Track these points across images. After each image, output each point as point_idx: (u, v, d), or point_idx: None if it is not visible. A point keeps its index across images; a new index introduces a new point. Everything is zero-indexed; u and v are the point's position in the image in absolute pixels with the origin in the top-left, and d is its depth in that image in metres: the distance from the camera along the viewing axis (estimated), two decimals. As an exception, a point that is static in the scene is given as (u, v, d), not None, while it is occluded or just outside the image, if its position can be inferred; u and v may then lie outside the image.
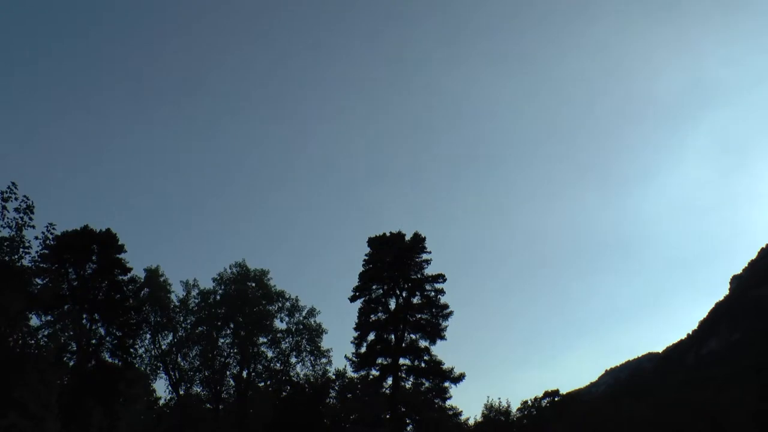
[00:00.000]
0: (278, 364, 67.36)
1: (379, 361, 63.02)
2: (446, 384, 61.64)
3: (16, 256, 27.10)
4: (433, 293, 64.14)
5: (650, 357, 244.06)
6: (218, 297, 67.96)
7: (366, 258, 65.58)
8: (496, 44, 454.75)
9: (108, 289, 57.59)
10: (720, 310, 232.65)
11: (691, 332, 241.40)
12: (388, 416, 58.59)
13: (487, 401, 73.93)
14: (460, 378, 61.81)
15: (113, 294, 57.53)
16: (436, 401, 61.40)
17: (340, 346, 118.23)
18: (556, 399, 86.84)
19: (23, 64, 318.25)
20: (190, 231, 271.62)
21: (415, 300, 64.33)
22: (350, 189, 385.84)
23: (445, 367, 61.78)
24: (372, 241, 66.07)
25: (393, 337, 63.16)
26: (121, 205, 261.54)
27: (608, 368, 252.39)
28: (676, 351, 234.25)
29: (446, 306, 63.72)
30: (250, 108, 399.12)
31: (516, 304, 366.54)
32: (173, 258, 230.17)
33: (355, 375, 62.52)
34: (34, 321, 45.54)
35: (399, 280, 64.49)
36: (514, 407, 77.11)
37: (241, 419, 63.33)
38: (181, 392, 65.87)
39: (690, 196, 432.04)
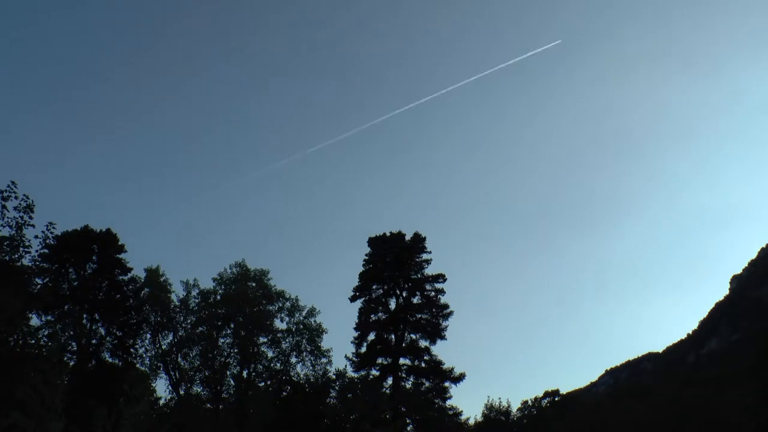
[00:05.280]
0: (278, 364, 67.41)
1: (380, 361, 63.13)
2: (446, 384, 61.76)
3: (16, 256, 27.13)
4: (433, 293, 64.30)
5: (650, 357, 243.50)
6: (218, 297, 68.01)
7: (366, 258, 65.72)
8: (504, 45, 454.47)
9: (108, 289, 57.68)
10: (720, 310, 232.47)
11: (691, 332, 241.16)
12: (388, 416, 58.65)
13: (487, 401, 74.13)
14: (460, 378, 61.93)
15: (113, 294, 57.63)
16: (436, 401, 61.49)
17: (340, 346, 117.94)
18: (556, 399, 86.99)
19: (22, 63, 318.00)
20: (190, 231, 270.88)
21: (415, 300, 64.49)
22: (351, 188, 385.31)
23: (445, 367, 61.93)
24: (372, 241, 66.20)
25: (393, 337, 63.27)
26: (121, 205, 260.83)
27: (608, 368, 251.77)
28: (676, 351, 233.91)
29: (446, 306, 63.90)
30: (250, 107, 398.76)
31: (516, 303, 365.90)
32: (173, 258, 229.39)
33: (356, 375, 62.64)
34: (35, 321, 45.56)
35: (399, 280, 64.63)
36: (514, 407, 77.28)
37: (241, 419, 63.35)
38: (182, 392, 65.90)
39: (689, 194, 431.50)
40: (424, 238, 66.12)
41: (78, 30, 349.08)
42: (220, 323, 66.84)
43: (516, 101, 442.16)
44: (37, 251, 29.90)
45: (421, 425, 60.84)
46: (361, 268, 65.62)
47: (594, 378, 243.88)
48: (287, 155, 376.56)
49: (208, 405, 67.48)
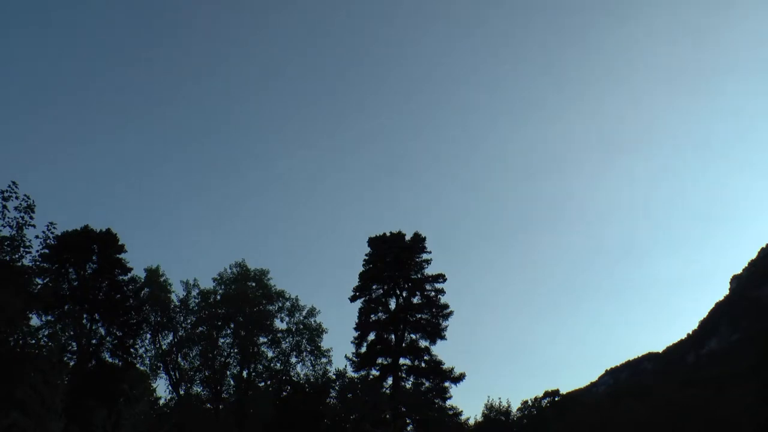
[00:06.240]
0: (278, 364, 67.41)
1: (380, 361, 63.12)
2: (446, 384, 61.75)
3: (16, 256, 27.16)
4: (433, 293, 64.29)
5: (650, 357, 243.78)
6: (218, 297, 68.01)
7: (366, 258, 65.71)
8: (505, 46, 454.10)
9: (108, 289, 57.73)
10: (720, 310, 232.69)
11: (691, 332, 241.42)
12: (388, 416, 58.65)
13: (488, 401, 74.12)
14: (460, 378, 61.92)
15: (113, 294, 57.67)
16: (436, 401, 61.47)
17: (340, 346, 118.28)
18: (556, 399, 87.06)
19: (22, 63, 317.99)
20: (190, 231, 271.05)
21: (415, 300, 64.48)
22: (351, 188, 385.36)
23: (445, 367, 61.91)
24: (372, 241, 66.20)
25: (393, 337, 63.27)
26: (121, 205, 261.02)
27: (608, 368, 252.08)
28: (676, 351, 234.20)
29: (446, 306, 63.88)
30: (250, 106, 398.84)
31: (516, 303, 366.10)
32: (173, 258, 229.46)
33: (356, 375, 62.61)
34: (35, 321, 45.63)
35: (399, 280, 64.62)
36: (515, 407, 77.25)
37: (241, 419, 63.36)
38: (182, 392, 65.91)
39: (689, 194, 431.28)
40: (424, 238, 66.14)
41: (78, 30, 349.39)
42: (220, 323, 66.84)
43: (516, 101, 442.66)
44: (37, 251, 29.88)
45: (421, 425, 60.81)
46: (361, 268, 65.65)
47: (594, 378, 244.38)
48: (287, 155, 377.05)
49: (208, 405, 67.48)
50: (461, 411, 62.26)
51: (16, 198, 26.79)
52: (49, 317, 53.49)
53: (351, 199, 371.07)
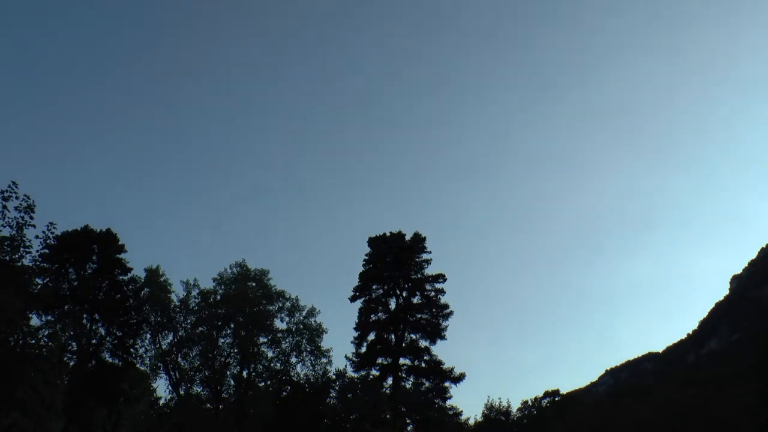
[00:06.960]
0: (278, 364, 67.42)
1: (380, 361, 63.12)
2: (446, 384, 61.74)
3: (16, 256, 27.16)
4: (433, 293, 64.28)
5: (650, 357, 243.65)
6: (218, 297, 68.01)
7: (366, 258, 65.70)
8: (506, 48, 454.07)
9: (108, 289, 57.70)
10: (720, 310, 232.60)
11: (691, 332, 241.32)
12: (388, 416, 58.63)
13: (488, 401, 74.00)
14: (460, 378, 61.91)
15: (113, 294, 57.63)
16: (436, 401, 61.46)
17: (340, 346, 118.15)
18: (556, 399, 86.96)
19: (23, 63, 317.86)
20: (190, 231, 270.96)
21: (415, 300, 64.47)
22: (351, 188, 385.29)
23: (445, 367, 61.91)
24: (372, 241, 66.18)
25: (393, 337, 63.26)
26: (121, 205, 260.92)
27: (608, 368, 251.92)
28: (676, 351, 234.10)
29: (446, 306, 63.88)
30: (250, 107, 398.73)
31: (516, 304, 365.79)
32: (173, 258, 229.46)
33: (356, 375, 62.58)
34: (35, 321, 45.62)
35: (399, 280, 64.61)
36: (515, 407, 77.15)
37: (241, 419, 63.36)
38: (182, 392, 65.90)
39: (688, 194, 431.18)
40: (424, 238, 66.13)
41: (78, 30, 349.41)
42: (220, 323, 66.84)
43: (516, 102, 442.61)
44: (37, 251, 29.89)
45: (421, 425, 60.80)
46: (361, 268, 65.64)
47: (594, 378, 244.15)
48: (287, 155, 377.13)
49: (208, 405, 67.48)
50: (461, 411, 62.31)
51: (16, 198, 26.79)
52: (49, 317, 53.43)
53: (351, 199, 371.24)
